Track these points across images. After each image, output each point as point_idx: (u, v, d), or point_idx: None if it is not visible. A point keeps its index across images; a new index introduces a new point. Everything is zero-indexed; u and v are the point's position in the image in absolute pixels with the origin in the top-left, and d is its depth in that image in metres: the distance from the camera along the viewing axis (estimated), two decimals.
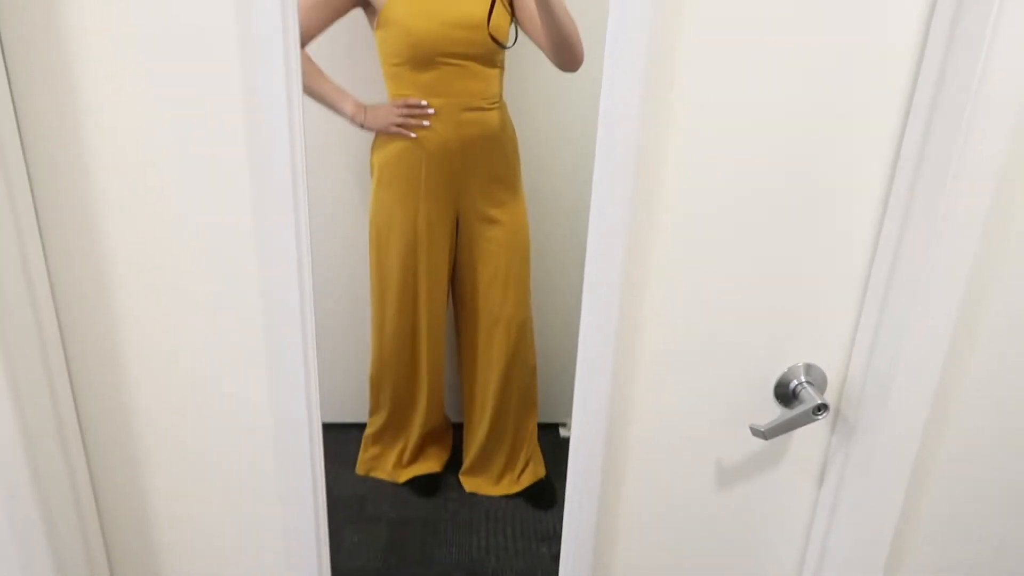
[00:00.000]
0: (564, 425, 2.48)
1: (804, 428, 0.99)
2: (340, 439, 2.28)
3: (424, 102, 1.73)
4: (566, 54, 1.65)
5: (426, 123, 1.74)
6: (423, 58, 1.69)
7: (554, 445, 2.42)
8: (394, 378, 2.07)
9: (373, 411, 2.15)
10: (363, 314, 2.12)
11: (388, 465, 2.19)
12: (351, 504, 2.17)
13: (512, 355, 2.01)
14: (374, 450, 2.18)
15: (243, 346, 0.93)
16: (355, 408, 2.28)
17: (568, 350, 2.37)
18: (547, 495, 2.14)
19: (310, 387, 0.94)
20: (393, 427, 2.16)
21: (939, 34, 0.80)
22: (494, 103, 1.79)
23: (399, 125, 1.76)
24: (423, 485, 2.17)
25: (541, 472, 2.17)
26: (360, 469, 2.21)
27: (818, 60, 0.81)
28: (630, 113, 0.81)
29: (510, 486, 2.14)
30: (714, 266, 0.90)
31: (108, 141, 0.82)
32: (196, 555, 1.06)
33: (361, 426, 2.25)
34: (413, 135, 1.75)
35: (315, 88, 1.77)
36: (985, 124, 0.78)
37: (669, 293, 0.91)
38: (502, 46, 1.69)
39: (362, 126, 1.80)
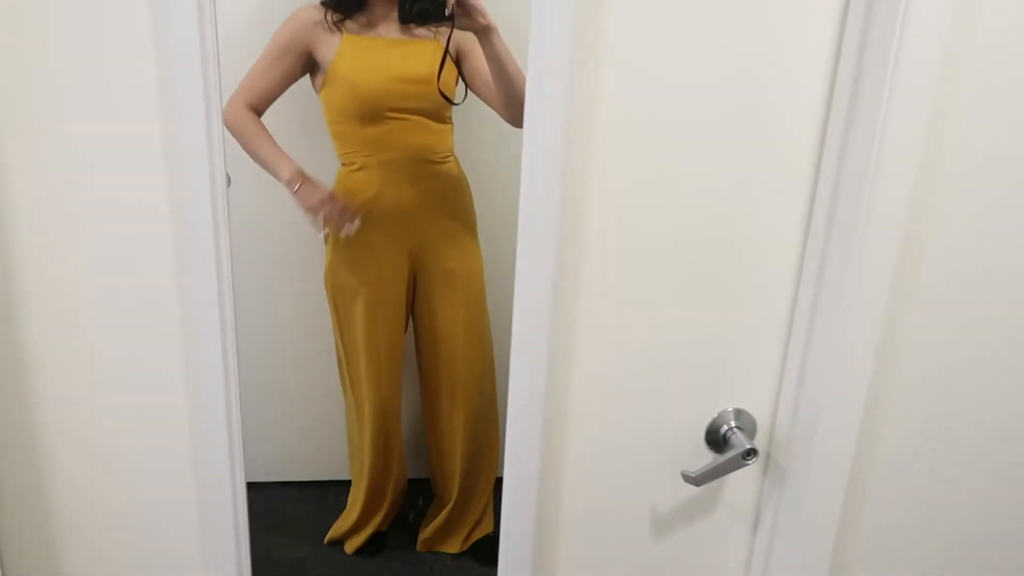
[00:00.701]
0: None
1: (736, 473, 1.00)
2: (273, 498, 2.22)
3: (352, 213, 1.72)
4: (517, 111, 1.67)
5: (350, 231, 1.72)
6: (370, 113, 1.69)
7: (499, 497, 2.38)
8: (377, 435, 2.03)
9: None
10: (305, 373, 2.08)
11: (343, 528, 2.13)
12: (293, 568, 2.10)
13: (475, 408, 1.99)
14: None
15: (165, 410, 0.91)
16: (284, 467, 2.23)
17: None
18: (492, 551, 2.10)
19: (233, 448, 0.92)
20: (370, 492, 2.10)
21: (842, 97, 0.84)
22: (445, 157, 1.80)
23: (325, 222, 1.72)
24: (370, 544, 2.11)
25: (489, 528, 2.14)
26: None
27: (729, 125, 0.85)
28: (552, 170, 0.82)
29: (460, 543, 2.10)
30: (641, 314, 0.91)
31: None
32: None
33: (291, 484, 2.21)
34: (325, 233, 1.76)
35: (255, 150, 1.71)
36: (892, 169, 0.82)
37: (599, 341, 0.91)
38: (451, 102, 1.70)
39: (295, 193, 1.72)
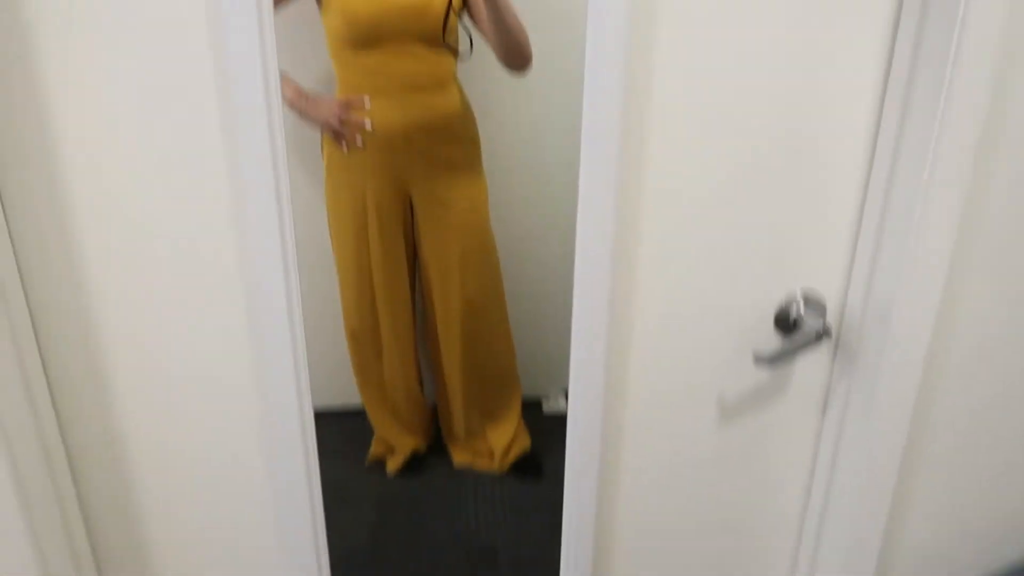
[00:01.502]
0: (546, 398, 2.46)
1: (806, 358, 0.99)
2: (323, 422, 2.24)
3: (366, 97, 1.70)
4: (516, 59, 1.64)
5: (360, 142, 1.72)
6: (364, 39, 1.66)
7: (536, 419, 2.40)
8: (362, 360, 2.05)
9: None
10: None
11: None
12: (334, 487, 2.12)
13: (473, 337, 1.99)
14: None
15: (228, 334, 0.89)
16: (333, 393, 2.24)
17: (546, 326, 2.37)
18: (533, 467, 2.13)
19: (300, 372, 0.91)
20: (371, 407, 2.14)
21: None
22: (445, 85, 1.75)
23: (335, 133, 1.73)
24: (410, 466, 2.14)
25: (527, 445, 2.16)
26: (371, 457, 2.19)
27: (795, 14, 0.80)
28: (616, 46, 0.78)
29: (499, 462, 2.12)
30: (710, 193, 0.88)
31: (77, 135, 0.78)
32: (187, 547, 1.01)
33: (336, 413, 2.22)
34: (345, 149, 1.74)
35: None
36: (975, 38, 0.78)
37: (666, 219, 0.89)
38: (444, 31, 1.67)
39: (301, 114, 1.76)
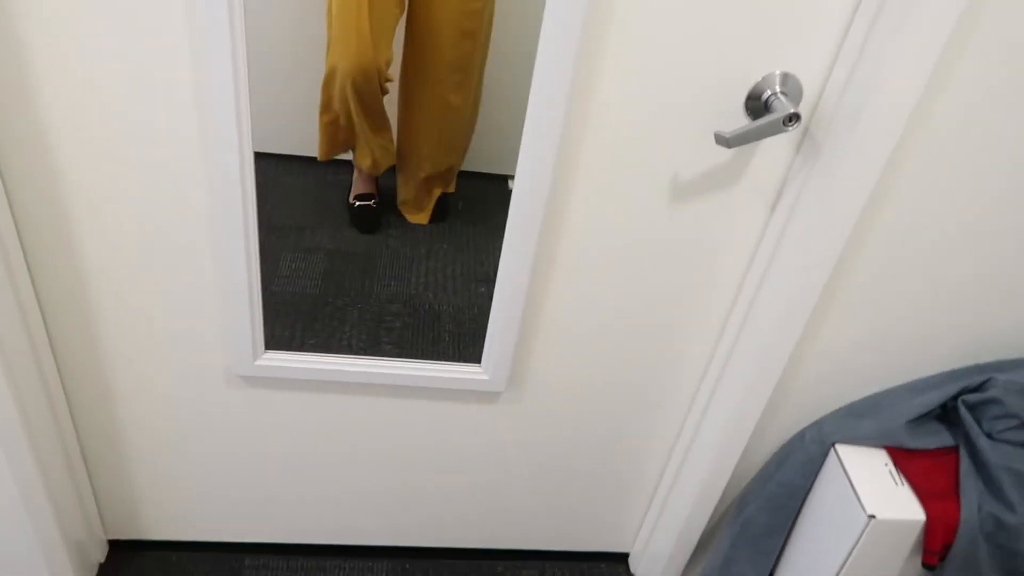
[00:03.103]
0: (512, 177, 2.42)
1: (767, 146, 0.95)
2: (280, 169, 2.19)
3: None
4: None
5: None
6: None
7: (502, 196, 2.37)
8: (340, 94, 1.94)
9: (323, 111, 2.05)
10: (313, 46, 1.94)
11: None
12: (289, 233, 2.12)
13: (448, 100, 1.89)
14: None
15: (169, 74, 0.82)
16: (298, 141, 2.17)
17: (523, 102, 2.27)
18: (444, 209, 2.12)
19: (241, 107, 0.86)
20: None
21: None
22: None
23: None
24: (364, 216, 2.12)
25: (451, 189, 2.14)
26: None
27: None
28: None
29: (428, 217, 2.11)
30: None
31: None
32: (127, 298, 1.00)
33: (303, 159, 2.16)
34: None
35: None
36: None
37: None
38: None
39: None
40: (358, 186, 2.10)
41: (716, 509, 1.30)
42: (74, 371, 1.12)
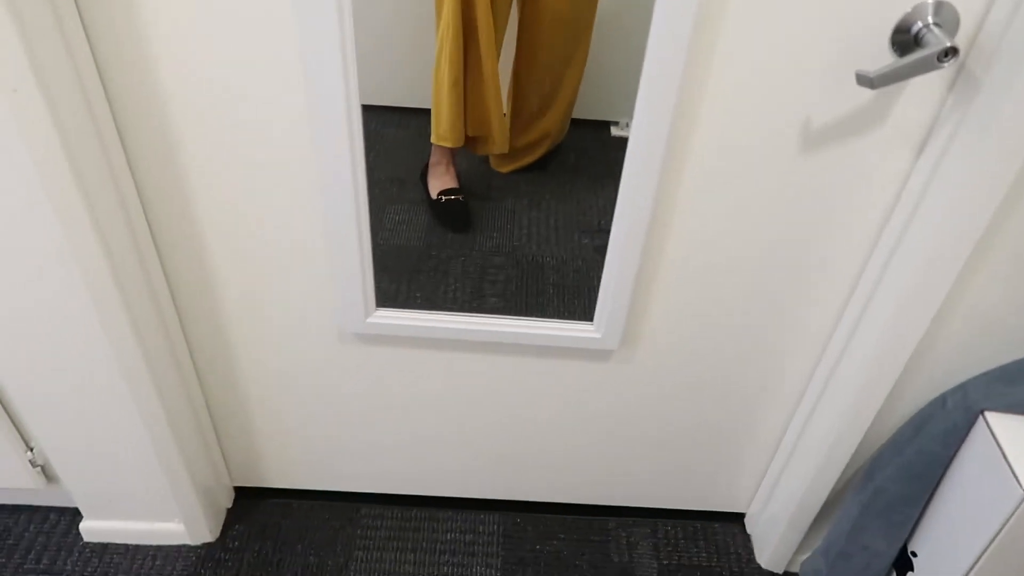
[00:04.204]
0: (616, 124, 2.34)
1: (915, 85, 0.85)
2: (380, 121, 2.18)
3: None
4: None
5: None
6: None
7: (605, 144, 2.30)
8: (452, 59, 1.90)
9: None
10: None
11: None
12: (391, 186, 2.12)
13: (569, 54, 1.81)
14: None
15: (275, 28, 0.81)
16: (398, 92, 2.16)
17: (632, 44, 2.17)
18: (545, 158, 2.06)
19: (347, 61, 0.83)
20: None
21: None
22: None
23: None
24: (452, 211, 2.09)
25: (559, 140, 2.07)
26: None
27: None
28: None
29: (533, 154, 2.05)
30: None
31: None
32: (236, 231, 1.01)
33: (403, 110, 2.14)
34: None
35: None
36: None
37: None
38: None
39: None
40: (437, 181, 2.07)
41: (843, 474, 1.23)
42: (196, 325, 1.16)
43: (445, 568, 1.40)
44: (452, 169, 2.02)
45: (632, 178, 0.93)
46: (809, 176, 0.93)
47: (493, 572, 1.39)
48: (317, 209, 1.00)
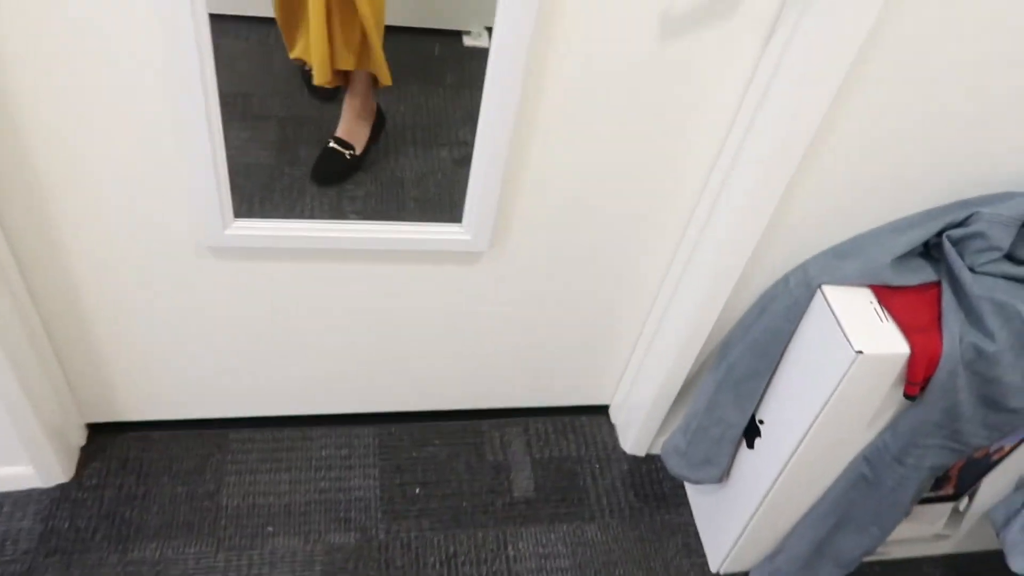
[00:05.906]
0: (468, 33, 2.29)
1: None
2: (219, 31, 2.03)
3: None
4: None
5: None
6: None
7: (456, 53, 2.26)
8: None
9: None
10: None
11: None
12: (236, 100, 1.99)
13: None
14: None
15: None
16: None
17: None
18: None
19: None
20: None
21: None
22: None
23: None
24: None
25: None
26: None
27: None
28: None
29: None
30: None
31: None
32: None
33: (245, 19, 2.00)
34: None
35: None
36: None
37: None
38: None
39: None
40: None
41: (697, 358, 1.32)
42: (25, 241, 1.05)
43: (323, 483, 1.39)
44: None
45: (496, 77, 0.92)
46: (668, 66, 0.96)
47: (372, 482, 1.40)
48: (166, 108, 0.93)
